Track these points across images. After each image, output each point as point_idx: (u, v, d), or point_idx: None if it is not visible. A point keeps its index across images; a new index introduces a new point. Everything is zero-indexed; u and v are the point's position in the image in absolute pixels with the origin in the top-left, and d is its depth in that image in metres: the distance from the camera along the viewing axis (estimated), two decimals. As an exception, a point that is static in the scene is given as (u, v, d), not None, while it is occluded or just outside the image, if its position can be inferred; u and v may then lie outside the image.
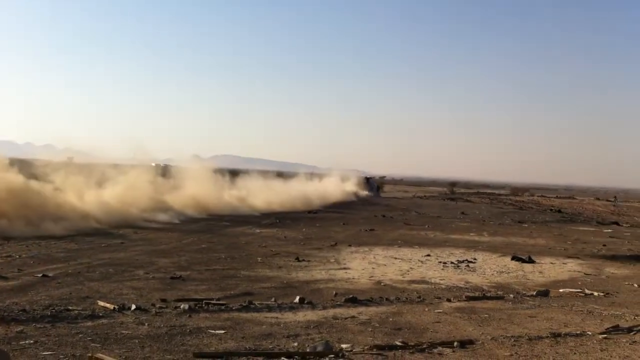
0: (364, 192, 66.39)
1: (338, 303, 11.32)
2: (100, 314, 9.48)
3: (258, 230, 25.35)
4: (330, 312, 10.54)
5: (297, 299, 11.26)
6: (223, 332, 8.71)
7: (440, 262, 18.30)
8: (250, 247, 19.65)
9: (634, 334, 9.28)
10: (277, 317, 9.90)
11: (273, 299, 11.34)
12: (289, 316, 10.07)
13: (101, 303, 10.25)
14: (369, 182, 72.69)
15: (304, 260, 17.22)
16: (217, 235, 22.89)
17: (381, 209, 39.59)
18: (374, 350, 8.01)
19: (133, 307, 9.97)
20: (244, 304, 10.71)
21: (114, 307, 9.88)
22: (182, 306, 10.17)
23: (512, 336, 8.90)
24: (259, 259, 17.23)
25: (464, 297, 12.58)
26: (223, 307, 10.47)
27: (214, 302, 10.86)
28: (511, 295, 13.12)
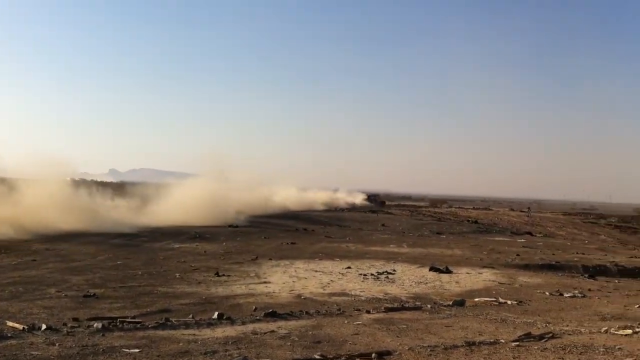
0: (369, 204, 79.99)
1: (257, 318, 11.23)
2: (9, 335, 9.05)
3: (177, 245, 24.90)
4: (250, 327, 10.42)
5: (215, 315, 11.08)
6: (138, 351, 8.46)
7: (360, 274, 18.46)
8: (169, 263, 19.28)
9: (545, 341, 9.56)
10: (194, 334, 9.70)
11: (191, 316, 11.14)
12: (207, 332, 9.88)
13: (10, 323, 9.82)
14: (373, 197, 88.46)
15: (223, 275, 17.03)
16: (134, 251, 22.34)
17: (302, 222, 39.66)
18: (293, 364, 7.97)
19: (43, 327, 9.57)
20: (161, 322, 10.45)
21: (24, 327, 9.46)
22: (95, 325, 9.83)
23: (428, 346, 9.01)
24: (177, 274, 16.93)
25: (383, 308, 12.70)
26: (138, 325, 10.18)
27: (129, 320, 10.56)
28: (428, 306, 13.34)
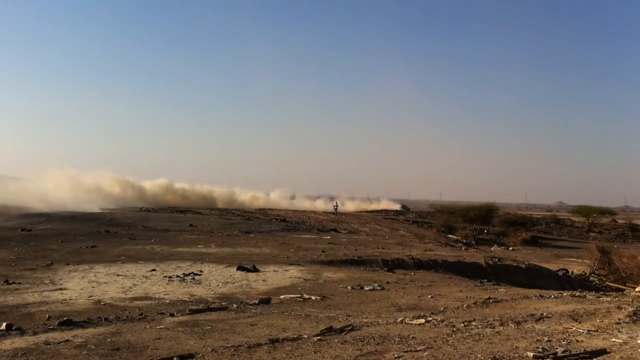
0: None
1: (51, 327, 10.50)
2: None
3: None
4: (42, 337, 9.71)
5: (3, 326, 10.23)
6: None
7: (165, 276, 17.95)
8: (-51, 272, 17.49)
9: (345, 334, 9.84)
10: (-22, 349, 8.85)
11: (-27, 329, 10.18)
12: (-7, 346, 9.07)
13: None
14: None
15: (14, 282, 15.77)
16: None
17: (105, 223, 37.93)
18: (87, 375, 7.49)
19: None
20: (-62, 337, 9.44)
21: None
22: None
23: (232, 346, 8.91)
24: (-41, 284, 15.41)
25: (187, 310, 12.42)
26: None
27: None
28: (235, 305, 13.26)
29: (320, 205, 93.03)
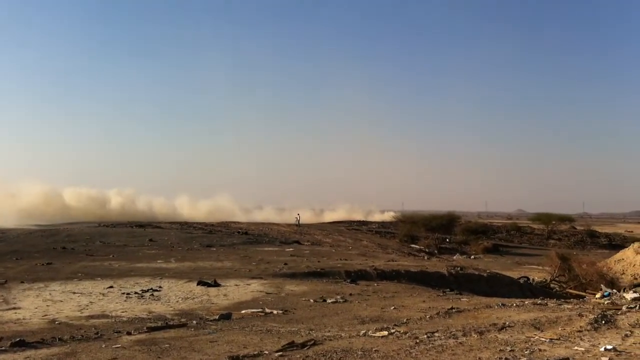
0: None
1: (2, 348, 10.12)
2: None
3: None
4: (-8, 360, 9.34)
5: (-50, 350, 9.81)
6: None
7: (123, 293, 17.54)
8: None
9: (307, 348, 9.65)
10: None
11: None
12: (-63, 371, 8.67)
13: None
14: None
15: (-35, 303, 15.25)
16: None
17: (61, 239, 37.09)
18: (37, 399, 7.17)
19: None
20: None
21: None
22: None
23: (190, 365, 8.67)
24: None
25: (145, 328, 12.09)
26: None
27: None
28: (194, 322, 12.97)
29: (271, 214, 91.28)
